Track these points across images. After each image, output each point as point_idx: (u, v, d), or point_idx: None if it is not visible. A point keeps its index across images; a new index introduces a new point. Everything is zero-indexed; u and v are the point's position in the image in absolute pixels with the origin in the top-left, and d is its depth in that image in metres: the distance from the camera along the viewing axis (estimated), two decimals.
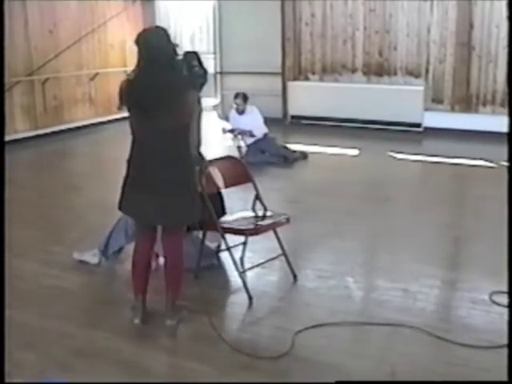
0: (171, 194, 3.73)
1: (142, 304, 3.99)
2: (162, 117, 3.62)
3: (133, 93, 3.68)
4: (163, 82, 3.61)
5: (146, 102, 3.61)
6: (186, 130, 3.71)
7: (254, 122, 8.72)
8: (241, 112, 8.75)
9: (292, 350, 3.61)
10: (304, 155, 8.78)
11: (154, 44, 3.65)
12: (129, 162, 3.80)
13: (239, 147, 8.80)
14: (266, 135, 8.79)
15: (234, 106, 8.82)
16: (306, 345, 3.69)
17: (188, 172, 3.79)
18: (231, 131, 8.75)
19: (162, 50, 3.65)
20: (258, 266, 4.71)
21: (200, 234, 4.61)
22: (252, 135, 8.63)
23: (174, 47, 3.71)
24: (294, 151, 8.80)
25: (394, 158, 8.85)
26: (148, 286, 3.99)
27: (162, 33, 3.73)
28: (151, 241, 3.96)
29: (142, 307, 3.99)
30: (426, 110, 10.71)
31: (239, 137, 8.80)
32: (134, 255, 4.00)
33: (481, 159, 8.44)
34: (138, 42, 3.69)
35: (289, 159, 8.60)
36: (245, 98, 8.77)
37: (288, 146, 8.99)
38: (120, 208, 3.89)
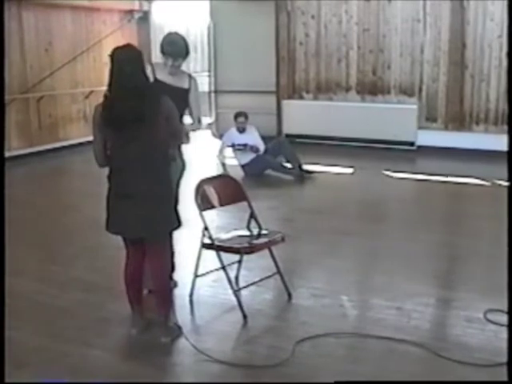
0: (151, 206, 3.78)
1: (140, 314, 4.03)
2: (142, 135, 3.70)
3: (111, 116, 3.69)
4: (139, 103, 3.65)
5: (125, 123, 3.65)
6: (163, 142, 3.80)
7: (255, 140, 8.89)
8: (242, 130, 8.88)
9: (288, 369, 3.61)
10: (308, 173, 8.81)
11: (128, 72, 3.67)
12: (109, 178, 3.88)
13: (224, 164, 8.88)
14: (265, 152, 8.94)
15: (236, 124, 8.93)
16: (301, 363, 3.68)
17: (166, 183, 3.89)
18: (244, 145, 8.75)
19: (135, 77, 3.68)
20: (252, 284, 4.71)
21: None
22: (257, 151, 8.76)
23: (145, 73, 3.77)
24: (293, 168, 8.82)
25: (389, 176, 8.88)
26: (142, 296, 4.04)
27: (136, 57, 3.75)
28: (141, 252, 3.96)
29: (139, 317, 4.04)
30: (420, 128, 10.75)
31: (233, 154, 8.93)
32: (125, 268, 4.04)
33: (474, 178, 8.48)
34: (112, 61, 3.72)
35: (294, 175, 8.69)
36: (246, 116, 8.93)
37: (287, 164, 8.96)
38: (107, 228, 3.93)
